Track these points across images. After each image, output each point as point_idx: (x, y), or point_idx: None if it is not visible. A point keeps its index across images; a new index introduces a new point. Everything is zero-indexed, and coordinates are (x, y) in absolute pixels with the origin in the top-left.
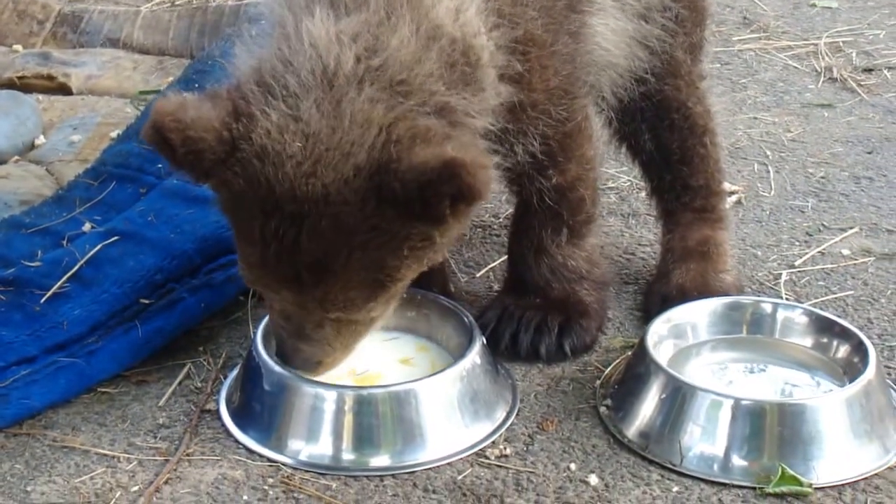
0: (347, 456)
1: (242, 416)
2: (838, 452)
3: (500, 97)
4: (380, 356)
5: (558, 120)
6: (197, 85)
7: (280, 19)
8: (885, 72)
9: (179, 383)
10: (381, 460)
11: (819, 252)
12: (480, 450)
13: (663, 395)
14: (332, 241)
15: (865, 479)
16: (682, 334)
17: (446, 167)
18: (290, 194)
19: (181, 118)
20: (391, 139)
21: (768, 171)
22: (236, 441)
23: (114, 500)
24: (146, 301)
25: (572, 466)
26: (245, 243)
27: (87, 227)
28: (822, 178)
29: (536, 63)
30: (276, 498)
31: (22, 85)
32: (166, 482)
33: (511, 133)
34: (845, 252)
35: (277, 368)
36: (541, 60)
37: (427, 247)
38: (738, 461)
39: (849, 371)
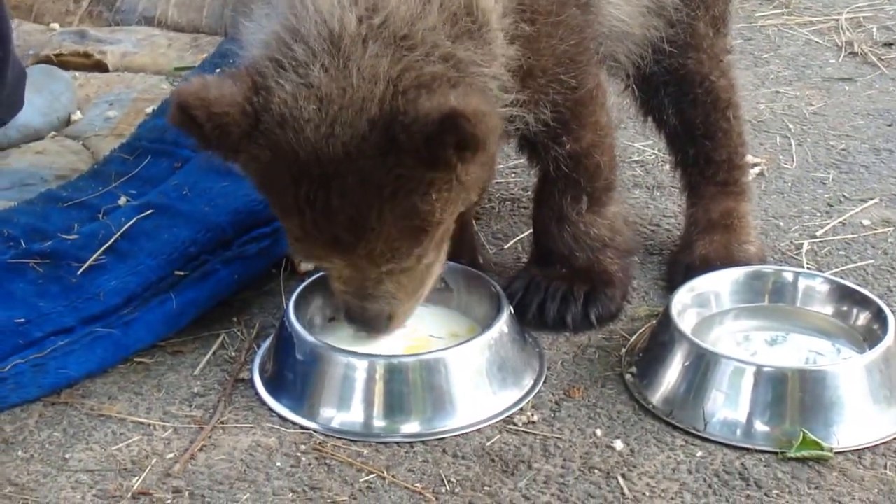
0: (378, 423)
1: (275, 384)
2: (858, 417)
3: (508, 58)
4: (436, 325)
5: (568, 87)
6: (232, 60)
7: None
8: None
9: (214, 353)
10: (411, 427)
11: (840, 222)
12: (508, 416)
13: (687, 363)
14: (361, 196)
15: (885, 443)
16: (705, 303)
17: (447, 118)
18: (314, 157)
19: (205, 97)
20: (398, 90)
21: (790, 144)
22: (269, 409)
23: (149, 466)
24: (181, 273)
25: (598, 432)
26: (285, 217)
27: (122, 200)
28: (843, 150)
29: (543, 28)
30: (309, 464)
31: (59, 62)
32: (201, 449)
33: (522, 102)
34: (865, 222)
35: (310, 338)
36: (547, 27)
37: (452, 189)
38: (760, 426)
39: (869, 338)
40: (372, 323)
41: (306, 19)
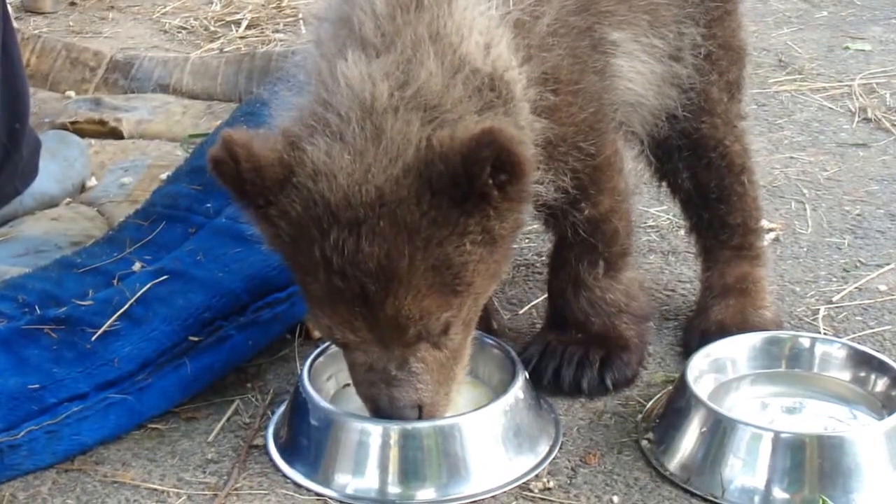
0: (393, 489)
1: (290, 450)
2: (878, 484)
3: (534, 131)
4: None
5: (588, 154)
6: (245, 126)
7: (315, 67)
8: None
9: (228, 419)
10: (426, 493)
11: (856, 288)
12: (524, 483)
13: (704, 429)
14: (392, 241)
15: None
16: (722, 369)
17: (484, 133)
18: (345, 202)
19: (248, 140)
20: (433, 139)
21: (805, 209)
22: (284, 475)
23: None
24: (195, 339)
25: (615, 499)
26: (308, 275)
27: (137, 266)
28: (858, 215)
29: (565, 97)
30: None
31: (75, 130)
32: None
33: (542, 170)
34: (882, 288)
35: (324, 404)
36: (568, 96)
37: (487, 242)
38: (779, 493)
39: (887, 404)
40: (403, 411)
41: (337, 93)
